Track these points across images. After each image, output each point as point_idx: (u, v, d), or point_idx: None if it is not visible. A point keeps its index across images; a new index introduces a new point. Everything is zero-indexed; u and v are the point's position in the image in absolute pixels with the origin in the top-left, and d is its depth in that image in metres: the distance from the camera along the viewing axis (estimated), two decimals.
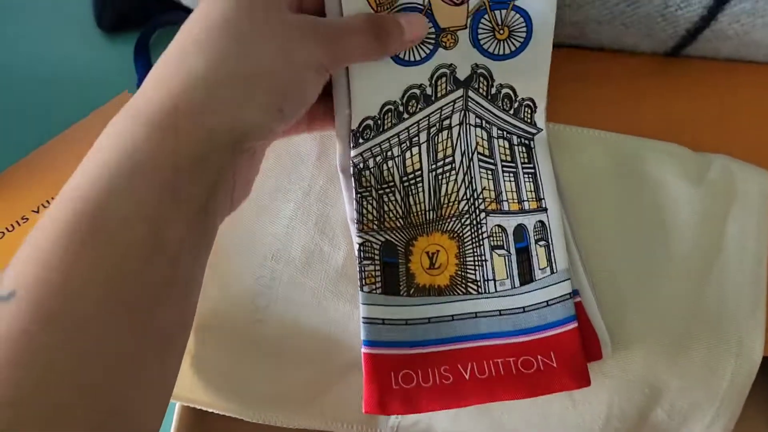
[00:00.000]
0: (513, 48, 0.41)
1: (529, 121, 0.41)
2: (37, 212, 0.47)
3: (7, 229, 0.48)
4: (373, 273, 0.38)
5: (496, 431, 0.39)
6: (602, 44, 0.47)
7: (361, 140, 0.38)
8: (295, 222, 0.40)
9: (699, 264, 0.40)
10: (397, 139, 0.39)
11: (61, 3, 0.57)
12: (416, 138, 0.40)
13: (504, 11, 0.41)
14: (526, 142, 0.41)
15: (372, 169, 0.39)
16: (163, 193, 0.28)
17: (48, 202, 0.47)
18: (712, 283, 0.40)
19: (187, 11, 0.53)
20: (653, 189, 0.42)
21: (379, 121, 0.39)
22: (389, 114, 0.40)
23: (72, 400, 0.25)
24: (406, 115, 0.39)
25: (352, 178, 0.39)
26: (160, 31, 0.57)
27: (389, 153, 0.39)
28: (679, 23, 0.42)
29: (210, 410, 0.40)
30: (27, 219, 0.47)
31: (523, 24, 0.41)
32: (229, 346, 0.40)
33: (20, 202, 0.48)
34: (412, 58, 0.39)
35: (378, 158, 0.39)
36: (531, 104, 0.41)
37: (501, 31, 0.41)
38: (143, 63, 0.53)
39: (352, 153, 0.38)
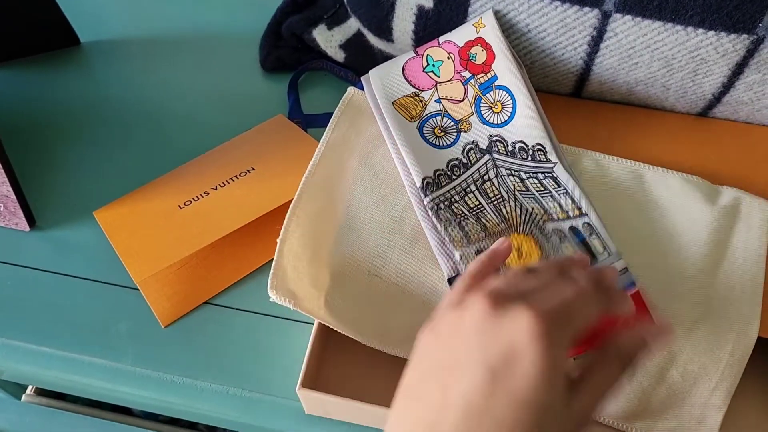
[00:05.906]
0: (508, 114, 0.50)
1: (545, 160, 0.49)
2: (215, 189, 0.55)
3: (194, 198, 0.55)
4: None
5: None
6: (648, 103, 0.56)
7: (428, 192, 0.47)
8: (407, 210, 0.48)
9: (709, 264, 0.46)
10: (454, 191, 0.48)
11: (236, 51, 0.69)
12: (468, 188, 0.49)
13: (491, 92, 0.51)
14: (550, 174, 0.48)
15: (444, 210, 0.47)
16: None
17: (224, 183, 0.56)
18: (719, 280, 0.46)
19: (329, 59, 0.65)
20: (678, 207, 0.49)
21: (435, 180, 0.48)
22: (441, 177, 0.48)
23: None
24: (454, 177, 0.48)
25: (432, 218, 0.46)
26: (306, 73, 0.68)
27: (453, 199, 0.48)
28: (705, 88, 0.51)
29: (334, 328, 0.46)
30: (208, 193, 0.55)
31: (508, 95, 0.50)
32: (351, 289, 0.46)
33: (204, 181, 0.57)
34: (445, 144, 0.50)
35: (445, 203, 0.47)
36: (542, 147, 0.49)
37: (496, 107, 0.51)
38: (293, 96, 0.65)
39: (425, 201, 0.47)
